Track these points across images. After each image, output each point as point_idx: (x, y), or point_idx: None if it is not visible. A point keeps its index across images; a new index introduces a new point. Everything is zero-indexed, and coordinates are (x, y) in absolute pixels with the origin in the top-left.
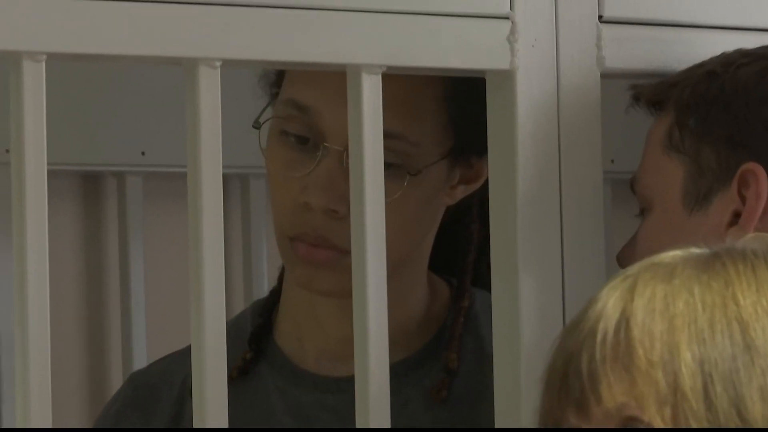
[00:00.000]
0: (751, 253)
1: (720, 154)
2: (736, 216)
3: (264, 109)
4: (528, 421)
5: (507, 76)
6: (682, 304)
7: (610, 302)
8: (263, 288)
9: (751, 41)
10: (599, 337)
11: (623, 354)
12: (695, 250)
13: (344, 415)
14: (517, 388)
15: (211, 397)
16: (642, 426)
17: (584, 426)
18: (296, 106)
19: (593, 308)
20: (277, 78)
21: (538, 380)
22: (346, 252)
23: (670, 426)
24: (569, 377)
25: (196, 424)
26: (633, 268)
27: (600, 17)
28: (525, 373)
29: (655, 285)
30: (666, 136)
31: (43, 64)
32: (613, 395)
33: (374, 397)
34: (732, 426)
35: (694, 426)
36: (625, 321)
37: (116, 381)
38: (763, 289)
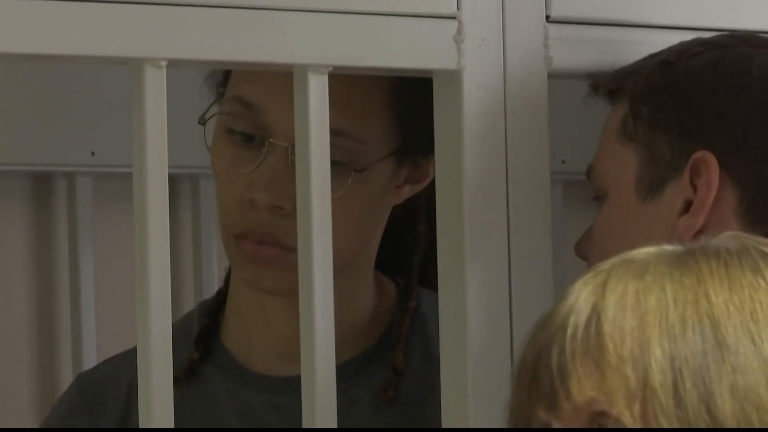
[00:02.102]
0: (724, 251)
1: (672, 143)
2: (688, 205)
3: (210, 107)
4: (476, 420)
5: (454, 76)
6: (654, 300)
7: (581, 297)
8: (213, 289)
9: None
10: (569, 331)
11: (593, 349)
12: (669, 247)
13: (293, 415)
14: (464, 388)
15: (157, 398)
16: (611, 421)
17: (553, 420)
18: (242, 103)
19: (564, 303)
20: (224, 77)
21: (485, 381)
22: (292, 249)
23: (638, 421)
24: (539, 372)
25: (142, 425)
26: (605, 264)
27: (547, 17)
28: (472, 373)
29: (627, 281)
30: (620, 125)
31: None
32: (583, 390)
33: (320, 397)
34: (701, 423)
35: (663, 422)
36: (596, 316)
37: (66, 382)
38: (736, 287)
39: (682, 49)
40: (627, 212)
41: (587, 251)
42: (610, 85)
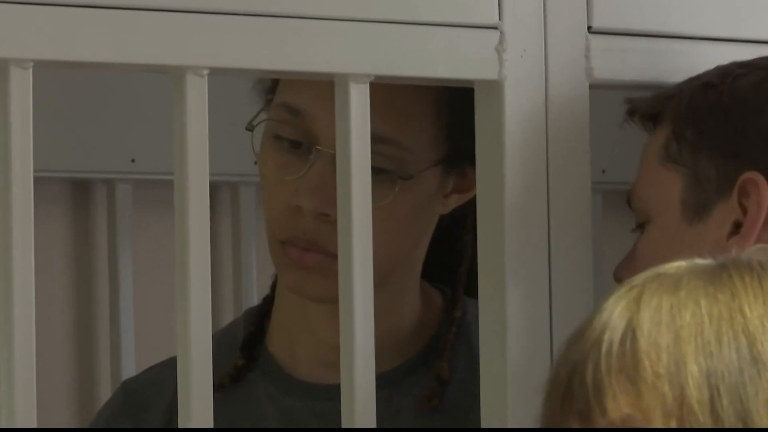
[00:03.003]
0: (757, 264)
1: (718, 164)
2: (737, 226)
3: (258, 113)
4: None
5: (495, 87)
6: (689, 316)
7: (615, 312)
8: (253, 296)
9: (741, 53)
10: (605, 347)
11: (629, 365)
12: (701, 261)
13: (335, 422)
14: (503, 399)
15: (197, 405)
16: None
17: None
18: (289, 110)
19: (598, 318)
20: (272, 84)
21: (525, 391)
22: (337, 256)
23: None
24: (573, 388)
25: None
26: (638, 279)
27: (589, 28)
28: (512, 384)
29: (662, 296)
30: (663, 149)
31: (30, 71)
32: (619, 407)
33: (360, 406)
34: None
35: None
36: (631, 332)
37: (105, 389)
38: None
39: (722, 71)
40: (673, 235)
41: (629, 277)
42: (650, 109)
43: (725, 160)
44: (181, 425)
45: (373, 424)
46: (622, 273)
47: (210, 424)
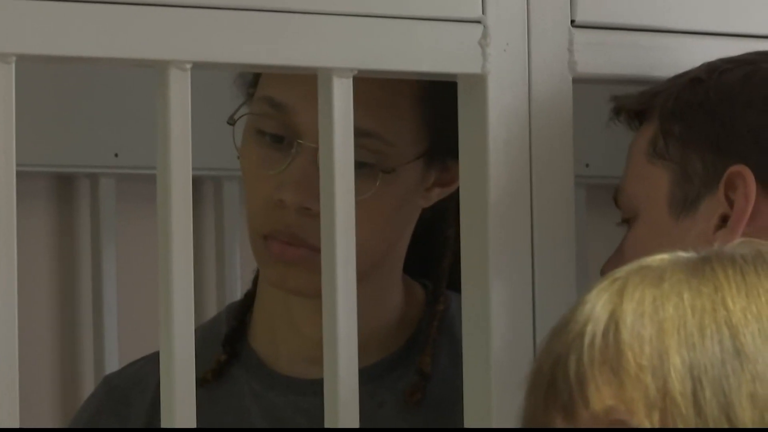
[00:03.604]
0: (740, 257)
1: (706, 159)
2: (724, 220)
3: (239, 108)
4: (498, 425)
5: (478, 81)
6: (672, 309)
7: (598, 305)
8: (236, 291)
9: (726, 47)
10: (587, 339)
11: (612, 357)
12: (684, 254)
13: (319, 417)
14: (487, 393)
15: (180, 399)
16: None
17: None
18: (271, 104)
19: (581, 310)
20: (254, 78)
21: (508, 385)
22: (320, 250)
23: None
24: (556, 380)
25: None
26: (621, 271)
27: (572, 22)
28: (495, 378)
29: (645, 288)
30: (650, 145)
31: (13, 65)
32: (602, 399)
33: (343, 401)
34: None
35: None
36: (614, 324)
37: (88, 384)
38: (753, 294)
39: (710, 67)
40: (660, 230)
41: None
42: (636, 106)
43: (713, 154)
44: (163, 420)
45: (356, 419)
46: (609, 270)
47: (193, 420)
